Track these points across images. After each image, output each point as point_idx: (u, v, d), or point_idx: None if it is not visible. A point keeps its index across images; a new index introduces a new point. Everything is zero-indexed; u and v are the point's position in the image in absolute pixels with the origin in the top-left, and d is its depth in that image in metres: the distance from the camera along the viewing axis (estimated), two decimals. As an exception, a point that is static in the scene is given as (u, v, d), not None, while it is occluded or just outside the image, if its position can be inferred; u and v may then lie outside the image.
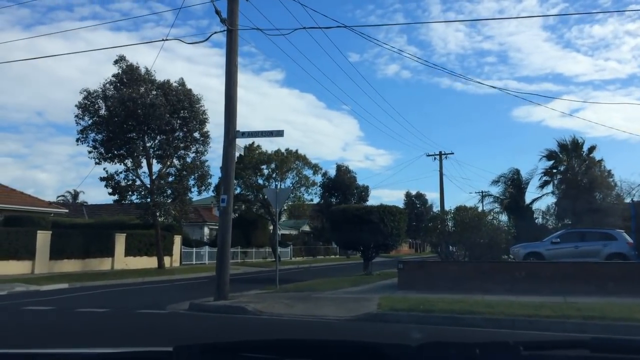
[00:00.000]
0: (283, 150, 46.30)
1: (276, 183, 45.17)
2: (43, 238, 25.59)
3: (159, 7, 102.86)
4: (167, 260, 31.50)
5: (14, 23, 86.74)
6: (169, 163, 29.16)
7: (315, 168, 48.86)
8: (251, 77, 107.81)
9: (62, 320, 10.79)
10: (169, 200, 29.16)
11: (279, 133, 14.10)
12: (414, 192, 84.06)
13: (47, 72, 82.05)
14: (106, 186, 27.95)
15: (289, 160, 44.74)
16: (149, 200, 28.23)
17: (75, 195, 67.57)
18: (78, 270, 26.50)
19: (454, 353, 1.85)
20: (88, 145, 27.76)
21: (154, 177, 28.57)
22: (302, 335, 8.73)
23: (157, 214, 28.69)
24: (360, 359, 1.93)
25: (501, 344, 1.93)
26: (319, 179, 52.10)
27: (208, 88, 71.03)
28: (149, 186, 28.36)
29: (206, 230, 49.24)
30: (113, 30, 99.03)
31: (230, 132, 13.96)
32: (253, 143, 44.93)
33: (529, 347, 1.85)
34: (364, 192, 59.80)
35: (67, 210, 36.51)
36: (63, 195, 68.29)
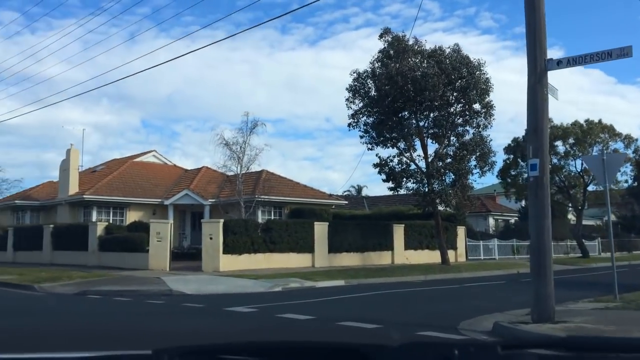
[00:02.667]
0: (582, 122, 37.67)
1: (576, 162, 36.91)
2: (320, 230, 24.56)
3: (426, 4, 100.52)
4: (450, 254, 27.61)
5: (302, 42, 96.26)
6: (446, 142, 25.25)
7: (628, 139, 38.49)
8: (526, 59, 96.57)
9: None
10: (448, 186, 25.22)
11: (623, 52, 8.55)
12: None
13: (332, 83, 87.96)
14: (379, 172, 25.63)
15: (592, 132, 35.83)
16: (425, 186, 24.85)
17: (359, 189, 70.08)
18: (357, 264, 24.74)
19: (433, 353, 1.80)
20: (359, 130, 25.95)
21: (429, 159, 25.05)
22: None
23: (437, 201, 25.09)
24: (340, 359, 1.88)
25: (479, 343, 2.11)
26: (629, 153, 41.20)
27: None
28: (424, 170, 24.99)
29: (491, 221, 44.28)
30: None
31: (538, 62, 9.05)
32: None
33: (506, 347, 1.79)
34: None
35: (346, 202, 36.12)
36: (348, 190, 71.54)
